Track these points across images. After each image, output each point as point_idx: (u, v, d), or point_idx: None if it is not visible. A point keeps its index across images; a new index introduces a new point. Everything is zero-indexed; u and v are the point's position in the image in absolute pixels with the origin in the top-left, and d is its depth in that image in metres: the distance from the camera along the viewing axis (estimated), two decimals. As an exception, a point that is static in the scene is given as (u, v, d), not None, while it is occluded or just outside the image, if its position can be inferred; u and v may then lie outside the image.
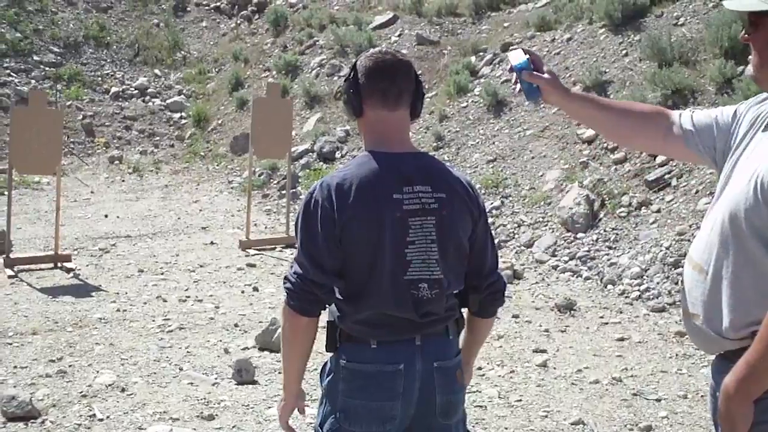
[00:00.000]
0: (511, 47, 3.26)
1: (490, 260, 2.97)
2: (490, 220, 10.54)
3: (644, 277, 8.50)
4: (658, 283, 8.31)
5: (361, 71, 2.87)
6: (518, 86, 2.94)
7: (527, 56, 2.92)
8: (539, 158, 11.28)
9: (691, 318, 2.48)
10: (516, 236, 10.24)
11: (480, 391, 6.05)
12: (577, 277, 9.04)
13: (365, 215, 2.74)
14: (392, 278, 2.77)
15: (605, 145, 10.64)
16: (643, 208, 9.43)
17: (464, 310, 3.01)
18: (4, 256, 9.43)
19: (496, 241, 10.15)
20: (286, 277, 2.80)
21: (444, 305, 2.85)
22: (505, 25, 15.35)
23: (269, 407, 5.73)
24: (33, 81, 18.00)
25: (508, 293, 8.41)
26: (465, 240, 2.88)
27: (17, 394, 5.62)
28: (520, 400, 5.90)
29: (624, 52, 12.12)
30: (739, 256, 2.29)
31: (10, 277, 9.07)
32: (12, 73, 18.01)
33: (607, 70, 11.87)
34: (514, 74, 2.95)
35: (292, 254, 10.12)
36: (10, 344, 6.99)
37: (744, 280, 2.27)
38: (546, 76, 2.88)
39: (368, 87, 2.86)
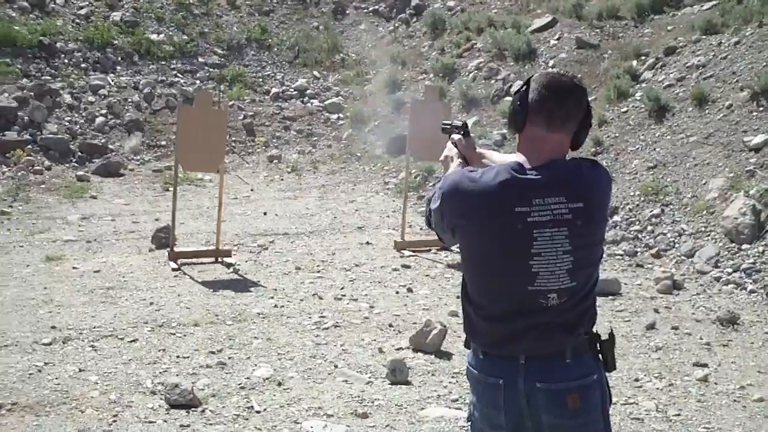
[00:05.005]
0: None
1: None
2: (649, 228, 10.36)
3: (814, 292, 8.12)
4: (829, 299, 7.92)
5: (533, 87, 2.82)
6: None
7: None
8: (702, 166, 10.92)
9: None
10: (676, 245, 9.94)
11: (637, 403, 5.91)
12: (741, 289, 8.71)
13: (474, 224, 2.80)
14: (517, 288, 2.77)
15: (774, 153, 10.21)
16: (814, 220, 9.01)
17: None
18: (169, 249, 9.79)
19: (655, 250, 9.88)
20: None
21: (577, 312, 2.81)
22: (669, 28, 14.92)
23: (422, 408, 5.75)
24: (198, 82, 18.58)
25: (667, 304, 8.25)
26: (600, 242, 2.88)
27: (180, 383, 5.84)
28: (679, 415, 5.73)
29: (796, 56, 11.61)
30: None
31: (174, 269, 9.40)
32: (178, 74, 18.65)
33: (778, 76, 11.38)
34: None
35: (446, 256, 10.12)
36: (174, 334, 7.25)
37: None
38: None
39: (536, 104, 2.81)
